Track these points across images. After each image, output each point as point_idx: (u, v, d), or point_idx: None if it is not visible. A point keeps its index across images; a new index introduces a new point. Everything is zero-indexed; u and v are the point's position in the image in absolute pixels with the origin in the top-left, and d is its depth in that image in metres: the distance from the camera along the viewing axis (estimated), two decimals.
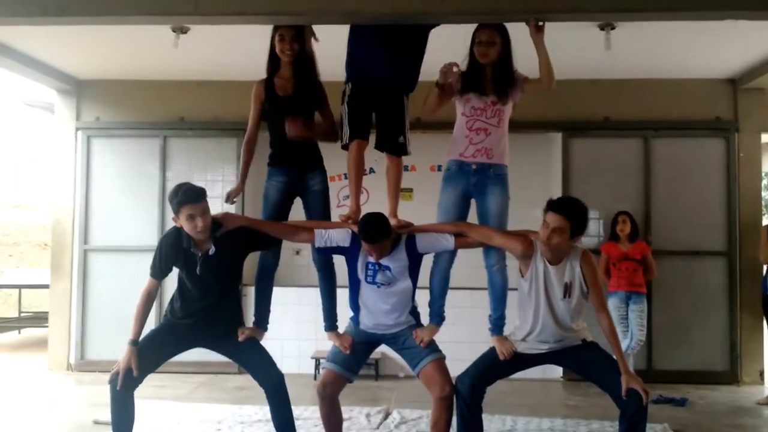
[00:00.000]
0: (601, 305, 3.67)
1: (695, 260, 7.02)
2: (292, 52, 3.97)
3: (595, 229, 7.06)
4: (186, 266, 3.72)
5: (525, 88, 3.89)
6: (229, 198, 4.07)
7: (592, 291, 3.63)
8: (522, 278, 3.71)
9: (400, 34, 3.96)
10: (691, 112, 7.09)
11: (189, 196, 3.58)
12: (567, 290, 3.60)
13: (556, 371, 6.88)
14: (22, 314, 11.08)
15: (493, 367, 3.71)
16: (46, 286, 8.00)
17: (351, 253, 3.77)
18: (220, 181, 7.39)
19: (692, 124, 7.09)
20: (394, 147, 4.01)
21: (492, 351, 3.75)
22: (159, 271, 3.76)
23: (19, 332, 10.47)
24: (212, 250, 3.67)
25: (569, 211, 3.54)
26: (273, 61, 4.06)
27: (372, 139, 4.03)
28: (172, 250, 3.71)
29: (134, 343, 3.63)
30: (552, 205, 3.58)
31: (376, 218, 3.63)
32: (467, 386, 3.62)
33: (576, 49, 6.05)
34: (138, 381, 3.62)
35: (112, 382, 3.56)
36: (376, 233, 3.59)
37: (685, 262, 7.01)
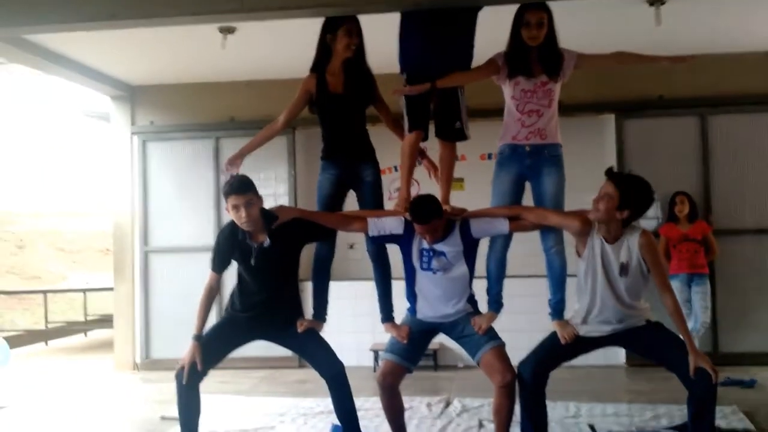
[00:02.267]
0: (664, 285, 3.58)
1: (759, 239, 6.80)
2: (357, 47, 3.95)
3: (653, 211, 6.90)
4: (242, 259, 3.77)
5: (580, 65, 3.83)
6: (226, 168, 4.03)
7: (654, 271, 3.55)
8: (579, 258, 3.65)
9: (448, 18, 3.92)
10: (748, 87, 6.87)
11: (233, 187, 3.64)
12: (623, 270, 3.54)
13: (618, 357, 6.77)
14: (88, 317, 11.42)
15: (555, 352, 3.66)
16: (110, 289, 8.22)
17: (405, 241, 3.76)
18: (273, 179, 7.47)
19: (750, 99, 6.86)
20: (452, 133, 4.01)
21: (553, 335, 3.70)
22: (218, 265, 3.84)
23: (86, 335, 10.79)
24: (267, 242, 3.71)
25: (621, 181, 3.50)
26: (325, 56, 4.02)
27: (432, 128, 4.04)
28: (227, 243, 3.79)
29: (198, 338, 3.70)
30: (607, 172, 3.58)
31: (427, 199, 3.63)
32: (530, 372, 3.59)
33: (625, 27, 5.92)
34: (203, 375, 3.69)
35: (178, 377, 3.65)
36: (428, 213, 3.58)
37: (749, 241, 6.81)
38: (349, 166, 4.04)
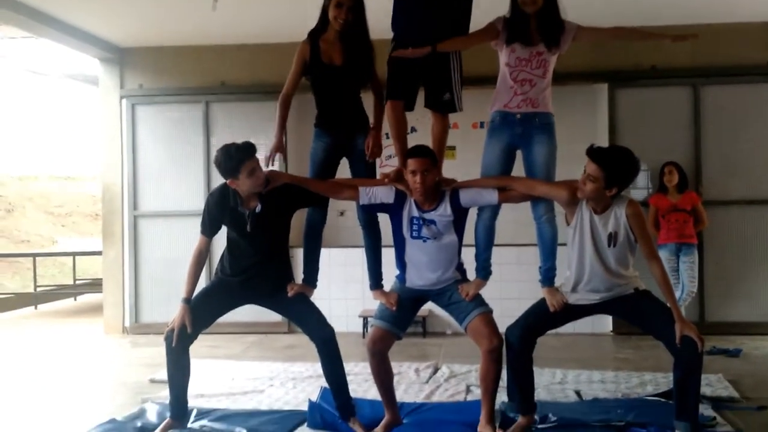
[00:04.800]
0: (651, 254, 3.59)
1: (748, 209, 6.86)
2: (346, 21, 3.84)
3: (643, 181, 6.93)
4: (234, 224, 3.76)
5: (579, 37, 3.78)
6: (270, 158, 3.94)
7: (641, 240, 3.56)
8: (568, 227, 3.66)
9: None
10: (741, 57, 6.87)
11: (247, 152, 3.61)
12: (611, 239, 3.54)
13: (605, 325, 6.84)
14: (77, 281, 11.42)
15: (543, 317, 3.68)
16: (99, 253, 8.22)
17: (395, 210, 3.75)
18: (263, 143, 7.34)
19: (743, 70, 6.87)
20: (440, 104, 3.95)
21: (542, 302, 3.71)
22: (208, 229, 3.82)
23: (75, 299, 10.81)
24: (258, 207, 3.70)
25: (604, 160, 3.44)
26: (323, 22, 3.91)
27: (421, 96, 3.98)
28: (217, 208, 3.76)
29: (187, 301, 3.70)
30: (589, 152, 3.51)
31: (423, 145, 3.74)
32: (517, 336, 3.61)
33: None
34: (192, 337, 3.70)
35: (168, 339, 3.66)
36: (422, 149, 3.65)
37: (738, 212, 6.86)
38: (343, 135, 4.00)
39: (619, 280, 3.59)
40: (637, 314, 3.65)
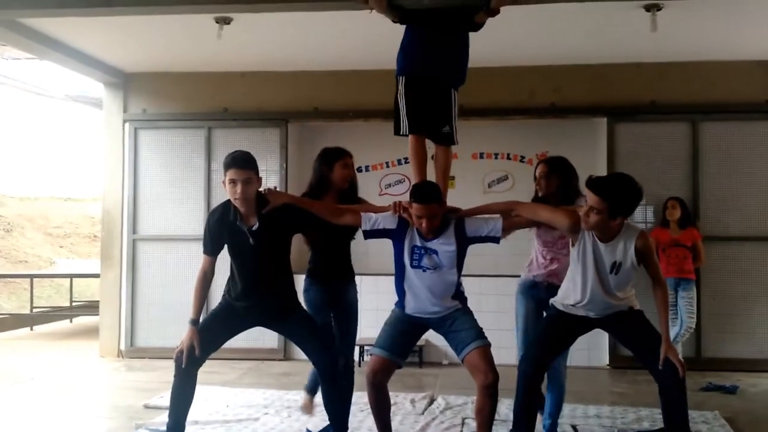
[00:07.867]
0: (658, 279, 3.59)
1: (746, 245, 6.87)
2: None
3: (641, 215, 6.95)
4: (234, 240, 3.73)
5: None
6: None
7: (650, 268, 3.57)
8: (572, 247, 3.66)
9: (451, 31, 3.98)
10: (740, 95, 6.93)
11: (236, 161, 3.64)
12: (615, 267, 3.54)
13: (601, 359, 6.83)
14: (73, 303, 11.38)
15: (550, 342, 3.69)
16: (96, 276, 8.20)
17: (397, 236, 3.74)
18: (264, 170, 7.40)
19: (742, 107, 6.93)
20: (440, 137, 4.00)
21: (543, 328, 3.75)
22: (210, 247, 3.78)
23: (71, 321, 10.76)
24: (256, 225, 3.67)
25: (605, 190, 3.42)
26: (322, 186, 4.15)
27: None
28: (218, 224, 3.74)
29: (195, 322, 3.68)
30: (588, 184, 3.49)
31: (429, 183, 3.71)
32: (532, 367, 3.60)
33: (621, 32, 5.97)
34: (201, 360, 3.68)
35: (178, 360, 3.63)
36: (428, 194, 3.61)
37: (736, 248, 6.87)
38: (333, 286, 4.22)
39: (615, 301, 3.61)
40: (627, 333, 3.68)
